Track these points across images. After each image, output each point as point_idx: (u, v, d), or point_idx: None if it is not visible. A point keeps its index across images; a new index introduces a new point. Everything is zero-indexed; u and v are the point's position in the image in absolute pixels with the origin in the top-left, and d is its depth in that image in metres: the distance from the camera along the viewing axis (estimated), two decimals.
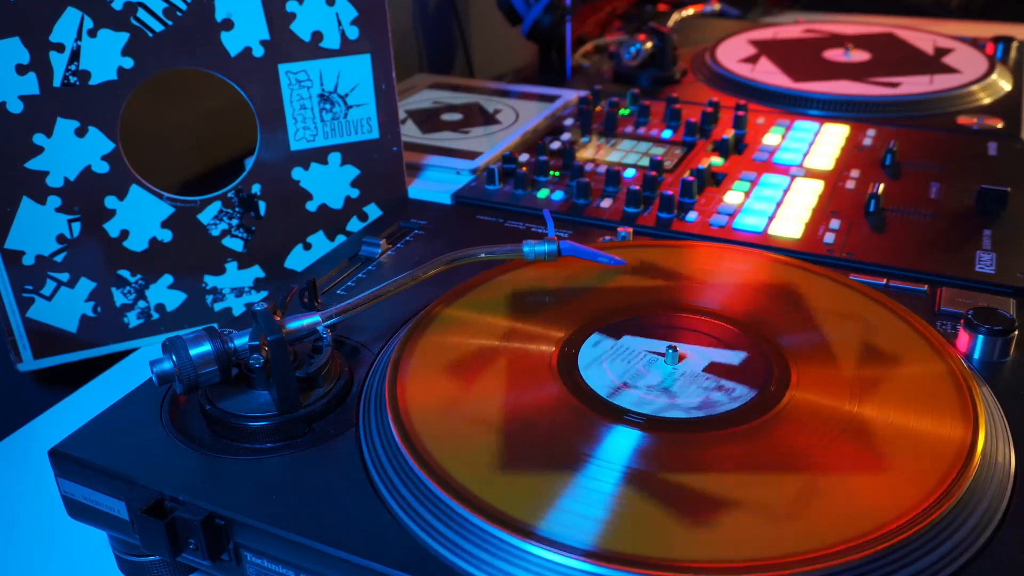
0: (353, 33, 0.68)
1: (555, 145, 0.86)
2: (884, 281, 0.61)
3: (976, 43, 1.11)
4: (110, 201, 0.65)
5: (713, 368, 0.50)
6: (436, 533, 0.40)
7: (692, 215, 0.71)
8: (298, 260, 0.73)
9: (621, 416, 0.46)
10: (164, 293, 0.69)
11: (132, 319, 0.69)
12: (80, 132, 0.63)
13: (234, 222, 0.69)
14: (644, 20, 1.30)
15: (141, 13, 0.62)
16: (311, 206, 0.71)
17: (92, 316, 0.67)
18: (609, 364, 0.50)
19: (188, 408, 0.50)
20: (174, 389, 0.49)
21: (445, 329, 0.54)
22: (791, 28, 1.21)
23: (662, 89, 1.03)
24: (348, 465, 0.45)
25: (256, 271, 0.71)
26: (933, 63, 1.04)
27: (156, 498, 0.44)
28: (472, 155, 0.82)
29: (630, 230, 0.66)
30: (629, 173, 0.79)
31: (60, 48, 0.61)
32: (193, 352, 0.45)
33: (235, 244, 0.70)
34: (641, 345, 0.52)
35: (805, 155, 0.83)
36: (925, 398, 0.47)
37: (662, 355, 0.51)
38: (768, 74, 1.01)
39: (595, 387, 0.48)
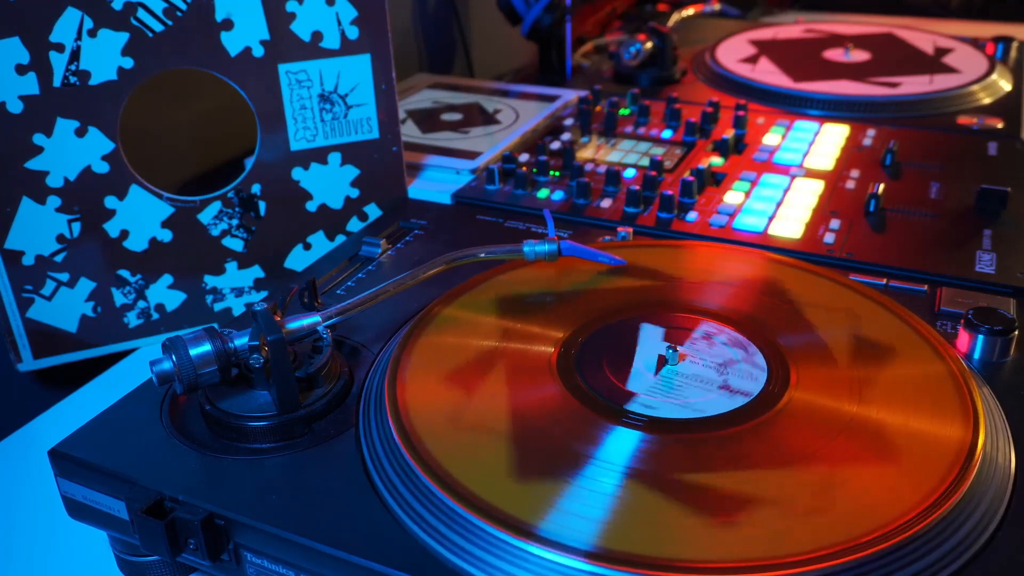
0: (353, 33, 0.68)
1: (555, 145, 0.86)
2: (884, 281, 0.61)
3: (976, 43, 1.11)
4: (110, 201, 0.65)
5: (718, 367, 0.50)
6: (436, 533, 0.40)
7: (692, 215, 0.71)
8: (298, 260, 0.73)
9: (621, 416, 0.46)
10: (164, 293, 0.69)
11: (132, 319, 0.69)
12: (80, 132, 0.63)
13: (234, 222, 0.69)
14: (644, 20, 1.30)
15: (141, 13, 0.62)
16: (311, 206, 0.71)
17: (92, 316, 0.67)
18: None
19: (188, 408, 0.50)
20: (174, 389, 0.49)
21: (445, 329, 0.54)
22: (791, 28, 1.21)
23: (662, 89, 1.03)
24: (348, 465, 0.45)
25: (256, 271, 0.71)
26: (933, 63, 1.04)
27: (156, 498, 0.44)
28: (472, 155, 0.82)
29: (630, 230, 0.66)
30: (629, 173, 0.79)
31: (60, 48, 0.61)
32: (193, 352, 0.45)
33: (235, 244, 0.70)
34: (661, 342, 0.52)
35: (805, 155, 0.83)
36: (925, 398, 0.47)
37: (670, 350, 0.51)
38: (768, 74, 1.01)
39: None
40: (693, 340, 0.52)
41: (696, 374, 0.49)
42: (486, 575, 0.38)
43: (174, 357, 0.45)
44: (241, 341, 0.47)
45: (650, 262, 0.61)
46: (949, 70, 1.01)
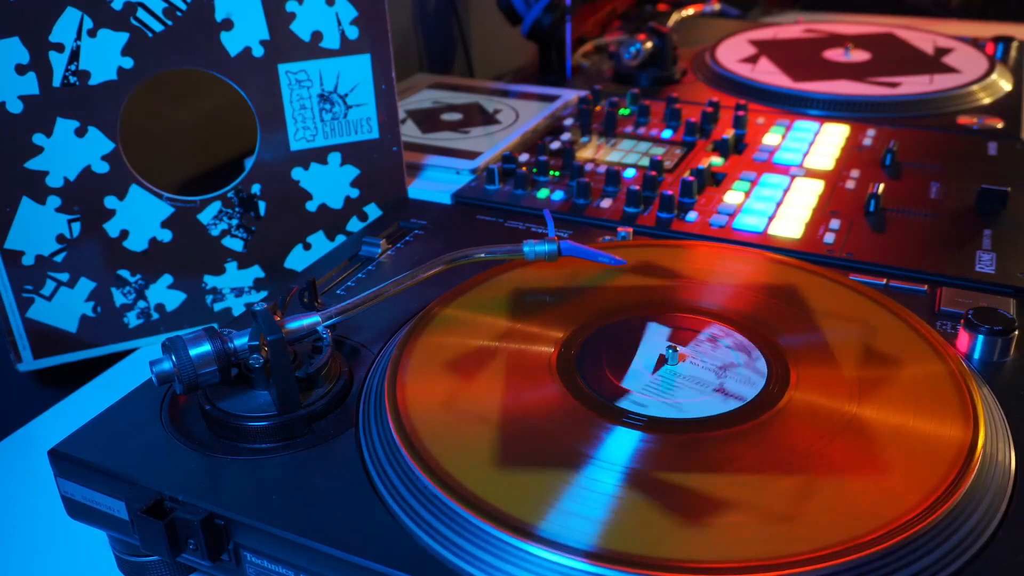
0: (353, 33, 0.68)
1: (555, 145, 0.86)
2: (884, 281, 0.61)
3: (976, 43, 1.11)
4: (110, 201, 0.65)
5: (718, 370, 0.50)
6: (436, 533, 0.40)
7: (692, 215, 0.71)
8: (298, 260, 0.73)
9: (621, 416, 0.46)
10: (164, 293, 0.69)
11: (132, 319, 0.69)
12: (80, 132, 0.63)
13: (234, 222, 0.69)
14: (644, 20, 1.30)
15: (141, 13, 0.62)
16: (311, 206, 0.71)
17: (92, 316, 0.67)
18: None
19: (188, 408, 0.50)
20: (174, 389, 0.49)
21: (445, 329, 0.54)
22: (791, 28, 1.21)
23: (662, 89, 1.03)
24: (348, 465, 0.45)
25: (256, 271, 0.71)
26: (933, 63, 1.04)
27: (155, 498, 0.44)
28: (472, 155, 0.82)
29: (630, 230, 0.66)
30: (629, 173, 0.79)
31: (60, 48, 0.61)
32: (193, 352, 0.45)
33: (235, 244, 0.70)
34: (661, 342, 0.53)
35: (805, 155, 0.82)
36: (925, 398, 0.47)
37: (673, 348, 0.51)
38: (768, 74, 1.01)
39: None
40: (694, 341, 0.52)
41: (695, 375, 0.49)
42: (486, 575, 0.38)
43: (174, 357, 0.45)
44: (241, 341, 0.47)
45: (650, 262, 0.61)
46: (949, 70, 1.01)
